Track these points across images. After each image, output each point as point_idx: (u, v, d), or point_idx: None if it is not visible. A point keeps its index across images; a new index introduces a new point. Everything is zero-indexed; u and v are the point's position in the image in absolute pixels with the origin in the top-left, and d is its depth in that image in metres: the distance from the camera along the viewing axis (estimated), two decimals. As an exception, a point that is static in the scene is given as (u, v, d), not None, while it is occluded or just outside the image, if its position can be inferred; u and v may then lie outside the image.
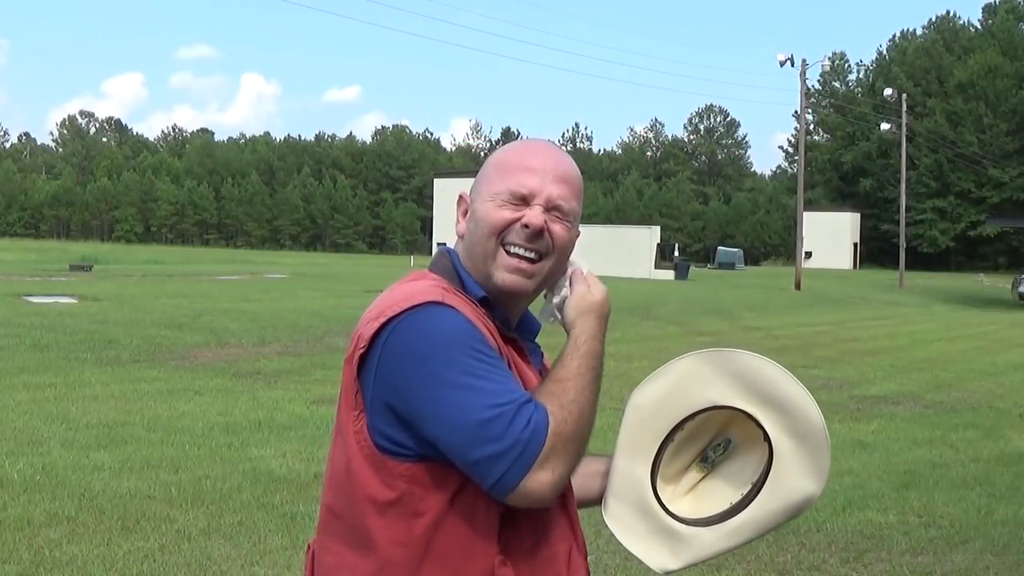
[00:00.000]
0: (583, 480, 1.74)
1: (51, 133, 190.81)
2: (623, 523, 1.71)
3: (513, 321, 1.59)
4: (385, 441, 1.42)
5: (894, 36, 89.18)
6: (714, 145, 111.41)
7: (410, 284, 1.50)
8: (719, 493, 1.70)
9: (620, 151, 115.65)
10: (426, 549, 1.40)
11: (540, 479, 1.35)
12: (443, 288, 1.48)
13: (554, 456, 1.36)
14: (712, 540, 1.67)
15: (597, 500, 1.75)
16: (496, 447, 1.33)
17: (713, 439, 1.72)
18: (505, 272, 1.53)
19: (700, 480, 1.73)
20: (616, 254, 43.46)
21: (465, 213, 1.61)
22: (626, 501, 1.71)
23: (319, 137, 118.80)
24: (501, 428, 1.33)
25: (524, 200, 1.54)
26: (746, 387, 1.65)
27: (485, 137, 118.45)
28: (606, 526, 1.72)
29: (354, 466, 1.44)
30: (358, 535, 1.44)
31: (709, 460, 1.72)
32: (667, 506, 1.70)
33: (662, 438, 1.69)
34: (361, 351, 1.43)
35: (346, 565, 1.45)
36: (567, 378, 1.44)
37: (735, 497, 1.68)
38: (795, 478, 1.64)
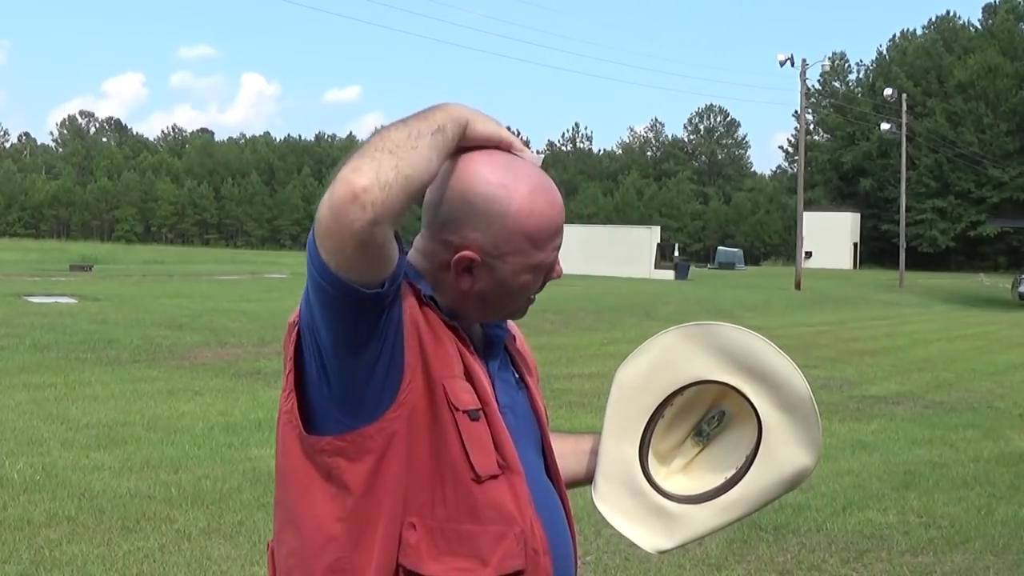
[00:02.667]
0: (572, 460, 1.71)
1: (51, 133, 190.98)
2: (613, 504, 1.67)
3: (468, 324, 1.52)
4: (311, 420, 1.42)
5: (894, 36, 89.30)
6: (714, 145, 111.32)
7: None
8: (714, 468, 1.65)
9: (620, 151, 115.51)
10: (362, 519, 1.39)
11: (329, 198, 1.25)
12: None
13: (349, 172, 1.25)
14: (706, 517, 1.63)
15: (587, 480, 1.72)
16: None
17: (707, 412, 1.67)
18: (518, 314, 1.53)
19: (696, 455, 1.68)
20: (616, 254, 43.43)
21: (468, 271, 1.44)
22: (615, 481, 1.66)
23: (319, 137, 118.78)
24: None
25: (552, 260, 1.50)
26: (730, 360, 1.61)
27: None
28: (608, 525, 1.69)
29: (288, 447, 1.44)
30: (301, 519, 1.43)
31: (704, 434, 1.68)
32: (661, 484, 1.65)
33: (649, 415, 1.65)
34: (297, 327, 1.45)
35: (293, 551, 1.45)
36: None
37: (729, 472, 1.63)
38: (786, 451, 1.60)
